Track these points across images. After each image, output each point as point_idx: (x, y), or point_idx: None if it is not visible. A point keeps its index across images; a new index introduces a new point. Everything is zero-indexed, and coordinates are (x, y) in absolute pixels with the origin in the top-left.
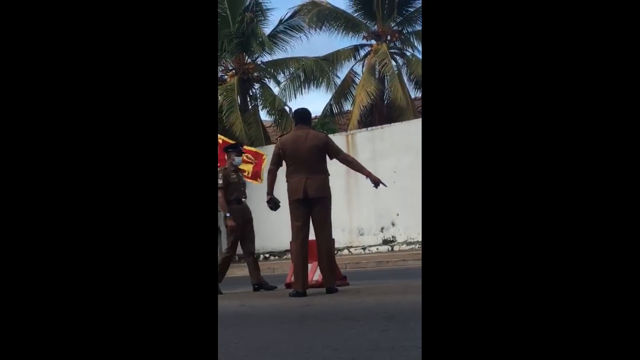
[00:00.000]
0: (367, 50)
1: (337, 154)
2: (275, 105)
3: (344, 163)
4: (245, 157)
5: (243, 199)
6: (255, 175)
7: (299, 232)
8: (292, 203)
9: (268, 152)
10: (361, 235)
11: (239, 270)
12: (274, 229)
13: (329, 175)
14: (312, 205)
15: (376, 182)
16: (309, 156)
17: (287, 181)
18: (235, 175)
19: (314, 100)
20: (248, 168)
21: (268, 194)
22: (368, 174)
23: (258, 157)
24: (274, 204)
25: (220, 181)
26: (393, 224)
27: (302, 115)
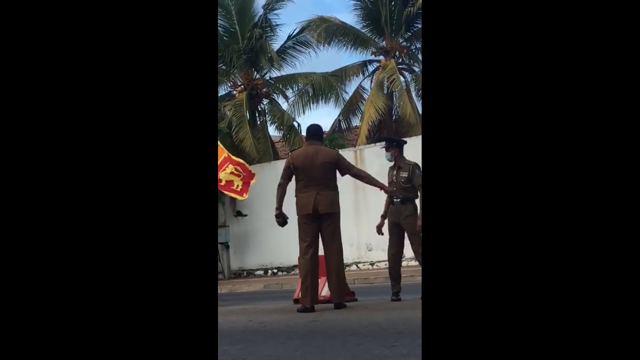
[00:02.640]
0: (375, 66)
1: (348, 170)
2: (284, 121)
3: (356, 178)
4: (234, 170)
5: (396, 200)
6: (242, 191)
7: (307, 247)
8: (302, 218)
9: (278, 167)
10: (369, 250)
11: (245, 286)
12: (281, 244)
13: (338, 191)
14: (322, 221)
15: (390, 194)
16: (320, 172)
17: (296, 196)
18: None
19: (323, 116)
20: (237, 181)
21: (277, 208)
22: (382, 187)
23: (247, 172)
24: (282, 219)
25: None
26: None
27: (314, 131)
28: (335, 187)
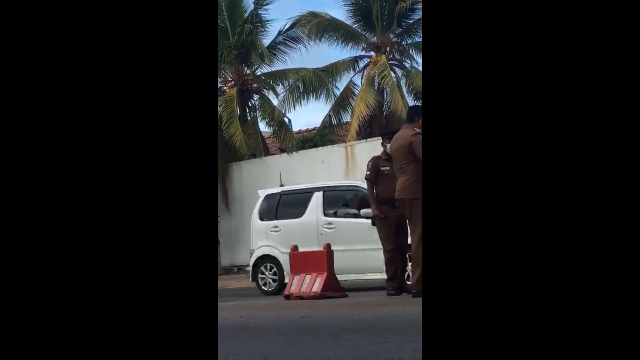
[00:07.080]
0: (366, 62)
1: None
2: (275, 117)
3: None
4: None
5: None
6: None
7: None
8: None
9: (268, 163)
10: None
11: (236, 282)
12: None
13: (417, 176)
14: (400, 207)
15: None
16: (397, 157)
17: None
18: (388, 167)
19: (313, 112)
20: None
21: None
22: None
23: None
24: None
25: (367, 172)
26: None
27: (408, 113)
28: (413, 172)
